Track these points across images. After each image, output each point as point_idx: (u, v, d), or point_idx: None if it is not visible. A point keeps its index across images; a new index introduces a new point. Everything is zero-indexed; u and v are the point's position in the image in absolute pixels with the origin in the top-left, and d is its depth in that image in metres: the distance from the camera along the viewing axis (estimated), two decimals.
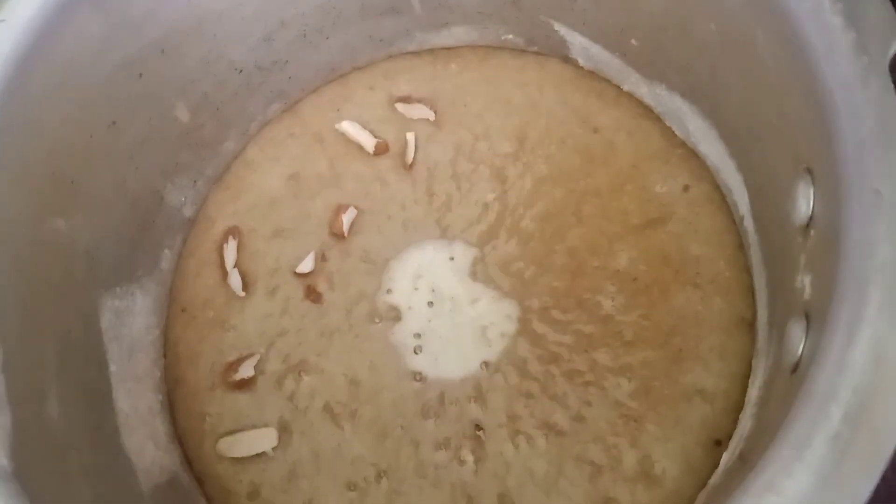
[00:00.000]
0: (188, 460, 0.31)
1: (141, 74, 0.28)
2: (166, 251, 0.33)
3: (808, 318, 0.22)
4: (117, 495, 0.25)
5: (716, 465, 0.28)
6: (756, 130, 0.25)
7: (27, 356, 0.24)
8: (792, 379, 0.22)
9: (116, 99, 0.28)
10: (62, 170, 0.26)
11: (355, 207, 0.33)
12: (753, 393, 0.27)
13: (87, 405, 0.26)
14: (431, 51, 0.35)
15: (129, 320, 0.30)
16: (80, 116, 0.26)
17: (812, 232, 0.22)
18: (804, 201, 0.23)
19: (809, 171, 0.22)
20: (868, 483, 0.17)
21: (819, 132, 0.21)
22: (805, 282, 0.22)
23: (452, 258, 0.32)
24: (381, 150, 0.34)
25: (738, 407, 0.28)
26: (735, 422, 0.28)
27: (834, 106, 0.20)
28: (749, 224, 0.29)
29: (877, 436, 0.17)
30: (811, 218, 0.22)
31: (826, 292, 0.20)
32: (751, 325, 0.29)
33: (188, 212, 0.34)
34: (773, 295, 0.27)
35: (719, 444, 0.28)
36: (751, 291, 0.29)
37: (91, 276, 0.28)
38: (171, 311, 0.33)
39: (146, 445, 0.28)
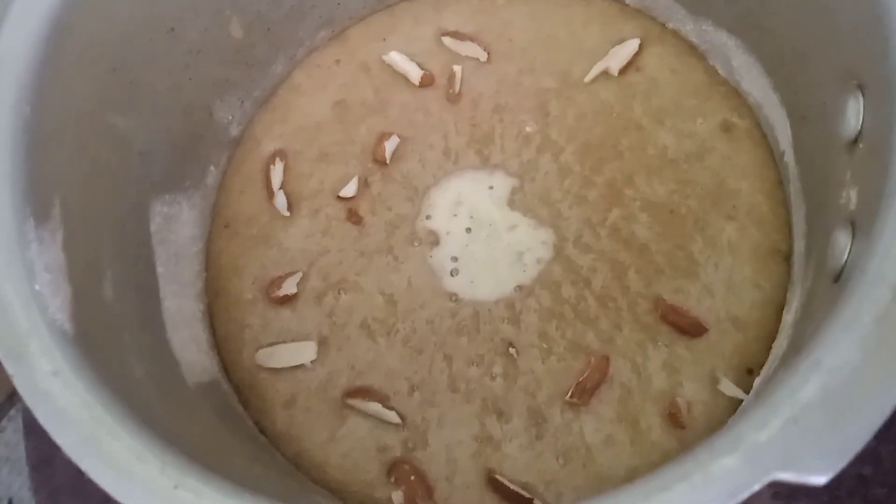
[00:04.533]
0: (226, 368, 0.31)
1: None
2: (212, 167, 0.33)
3: (853, 226, 0.22)
4: (166, 380, 0.26)
5: (747, 391, 0.28)
6: (804, 53, 0.26)
7: (86, 239, 0.25)
8: (833, 288, 0.22)
9: (176, 5, 0.29)
10: (124, 68, 0.27)
11: (398, 136, 0.34)
12: (788, 318, 0.28)
13: (138, 296, 0.27)
14: None
15: (176, 228, 0.31)
16: (143, 16, 0.27)
17: (860, 145, 0.23)
18: (853, 116, 0.23)
19: (859, 85, 0.23)
20: None
21: (873, 40, 0.21)
22: (851, 195, 0.23)
23: (492, 187, 0.33)
24: (426, 81, 0.35)
25: (772, 336, 0.29)
26: (768, 350, 0.29)
27: (890, 10, 0.20)
28: (790, 157, 0.29)
29: None
30: (860, 132, 0.23)
31: (875, 195, 0.21)
32: (786, 256, 0.30)
33: (234, 131, 0.34)
34: (812, 222, 0.27)
35: (751, 372, 0.29)
36: (787, 224, 0.30)
37: (144, 178, 0.29)
38: (215, 225, 0.34)
39: (189, 346, 0.29)
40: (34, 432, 0.35)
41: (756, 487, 0.17)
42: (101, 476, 0.19)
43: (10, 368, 0.20)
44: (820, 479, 0.17)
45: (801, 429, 0.17)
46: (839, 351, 0.18)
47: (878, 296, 0.18)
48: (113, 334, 0.24)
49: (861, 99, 0.23)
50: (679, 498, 0.17)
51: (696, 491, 0.17)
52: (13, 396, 0.46)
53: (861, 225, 0.22)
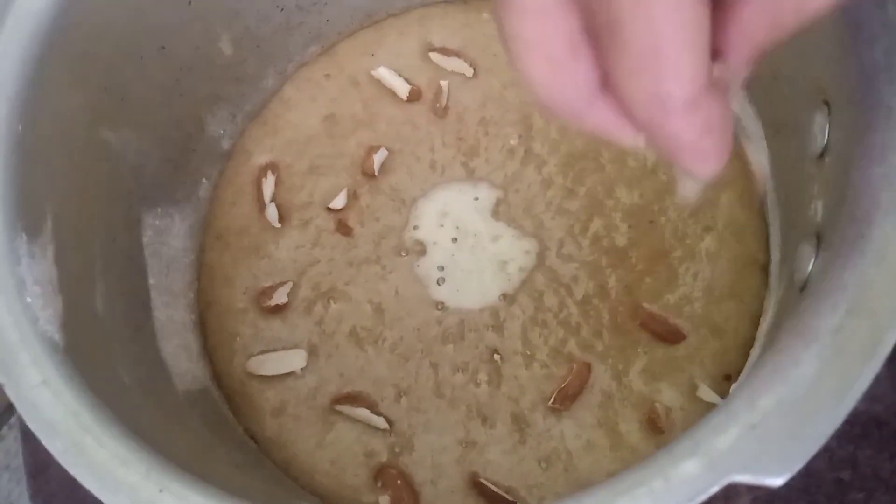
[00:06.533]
0: (217, 376, 0.32)
1: (190, 2, 0.30)
2: (204, 180, 0.34)
3: (818, 238, 0.23)
4: (155, 389, 0.27)
5: (724, 397, 0.29)
6: (777, 68, 0.27)
7: (77, 252, 0.26)
8: (799, 298, 0.23)
9: (166, 23, 0.29)
10: (115, 86, 0.28)
11: (386, 149, 0.35)
12: (764, 326, 0.29)
13: (129, 307, 0.28)
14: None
15: (168, 240, 0.32)
16: (134, 35, 0.28)
17: (826, 160, 0.23)
18: (820, 132, 0.24)
19: (826, 102, 0.23)
20: (867, 368, 0.18)
21: (839, 58, 0.22)
22: (817, 206, 0.24)
23: (477, 198, 0.34)
24: (413, 96, 0.35)
25: (749, 343, 0.30)
26: (745, 357, 0.29)
27: (852, 31, 0.21)
28: (766, 170, 0.30)
29: (877, 326, 0.18)
30: (826, 147, 0.24)
31: (837, 209, 0.21)
32: (763, 266, 0.30)
33: (226, 144, 0.35)
34: (786, 233, 0.28)
35: (729, 378, 0.30)
36: (765, 235, 0.31)
37: (136, 192, 0.30)
38: (207, 237, 0.34)
39: (180, 355, 0.30)
40: (31, 439, 0.35)
41: (714, 489, 0.18)
42: (89, 481, 0.20)
43: (1, 379, 0.21)
44: (776, 481, 0.18)
45: (758, 434, 0.18)
46: (797, 360, 0.19)
47: (835, 307, 0.19)
48: (103, 344, 0.25)
49: (827, 115, 0.24)
50: (640, 501, 0.18)
51: (657, 494, 0.18)
52: (12, 407, 0.47)
53: (825, 237, 0.22)
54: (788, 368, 0.19)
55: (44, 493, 0.33)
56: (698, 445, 0.18)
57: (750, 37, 0.16)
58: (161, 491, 0.20)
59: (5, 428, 0.48)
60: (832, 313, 0.19)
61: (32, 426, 0.21)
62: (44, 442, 0.21)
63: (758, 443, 0.18)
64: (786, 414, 0.18)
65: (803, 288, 0.23)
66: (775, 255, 0.30)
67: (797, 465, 0.18)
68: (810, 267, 0.23)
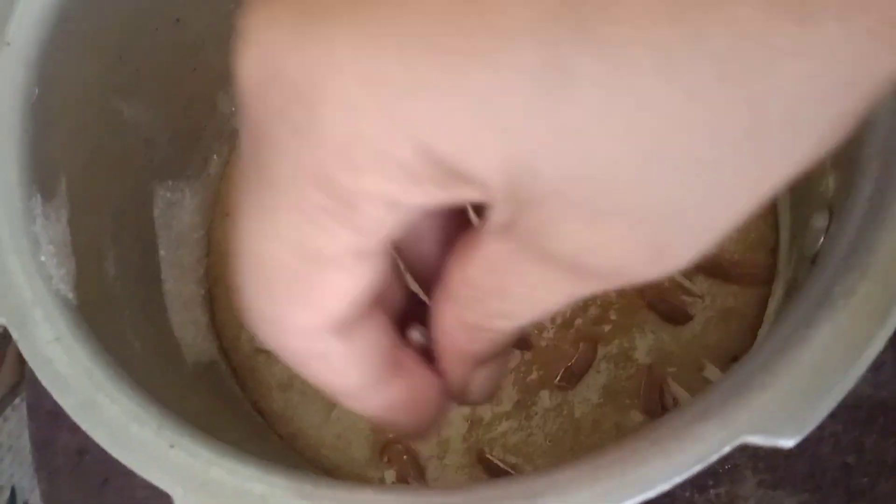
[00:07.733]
0: (225, 350, 0.32)
1: None
2: (214, 157, 0.34)
3: (830, 211, 0.23)
4: (165, 358, 0.27)
5: None
6: None
7: (90, 217, 0.26)
8: (811, 270, 0.23)
9: None
10: (129, 56, 0.28)
11: None
12: (772, 307, 0.29)
13: (140, 278, 0.28)
14: None
15: (178, 213, 0.32)
16: (149, 6, 0.28)
17: None
18: None
19: None
20: (880, 332, 0.18)
21: None
22: (829, 181, 0.24)
23: None
24: None
25: (757, 324, 0.30)
26: (753, 338, 0.30)
27: None
28: None
29: (891, 290, 0.18)
30: None
31: (851, 180, 0.21)
32: (772, 248, 0.30)
33: (237, 123, 0.35)
34: (796, 210, 0.28)
35: (736, 359, 0.30)
36: (774, 216, 0.31)
37: (147, 164, 0.30)
38: (216, 214, 0.34)
39: (189, 328, 0.30)
40: (36, 415, 0.35)
41: (726, 450, 0.18)
42: (101, 437, 0.20)
43: (14, 334, 0.21)
44: (788, 443, 0.18)
45: (771, 396, 0.18)
46: (810, 323, 0.19)
47: (848, 271, 0.19)
48: (114, 309, 0.25)
49: None
50: (653, 460, 0.18)
51: (669, 453, 0.18)
52: (16, 387, 0.47)
53: (837, 209, 0.22)
54: (801, 331, 0.19)
55: (48, 468, 0.33)
56: (711, 406, 0.18)
57: (451, 345, 0.15)
58: (172, 446, 0.20)
59: (9, 409, 0.48)
60: (845, 277, 0.19)
61: (45, 382, 0.21)
62: (56, 398, 0.21)
63: (770, 404, 0.18)
64: (798, 376, 0.18)
65: (814, 260, 0.23)
66: (784, 235, 0.30)
67: (809, 427, 0.18)
68: (822, 239, 0.23)
